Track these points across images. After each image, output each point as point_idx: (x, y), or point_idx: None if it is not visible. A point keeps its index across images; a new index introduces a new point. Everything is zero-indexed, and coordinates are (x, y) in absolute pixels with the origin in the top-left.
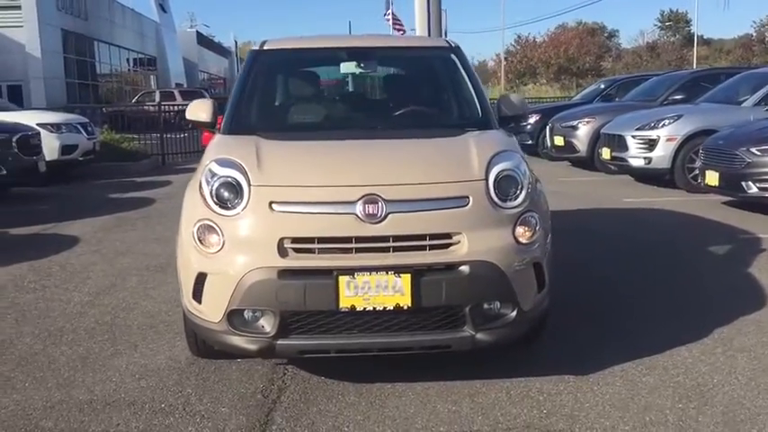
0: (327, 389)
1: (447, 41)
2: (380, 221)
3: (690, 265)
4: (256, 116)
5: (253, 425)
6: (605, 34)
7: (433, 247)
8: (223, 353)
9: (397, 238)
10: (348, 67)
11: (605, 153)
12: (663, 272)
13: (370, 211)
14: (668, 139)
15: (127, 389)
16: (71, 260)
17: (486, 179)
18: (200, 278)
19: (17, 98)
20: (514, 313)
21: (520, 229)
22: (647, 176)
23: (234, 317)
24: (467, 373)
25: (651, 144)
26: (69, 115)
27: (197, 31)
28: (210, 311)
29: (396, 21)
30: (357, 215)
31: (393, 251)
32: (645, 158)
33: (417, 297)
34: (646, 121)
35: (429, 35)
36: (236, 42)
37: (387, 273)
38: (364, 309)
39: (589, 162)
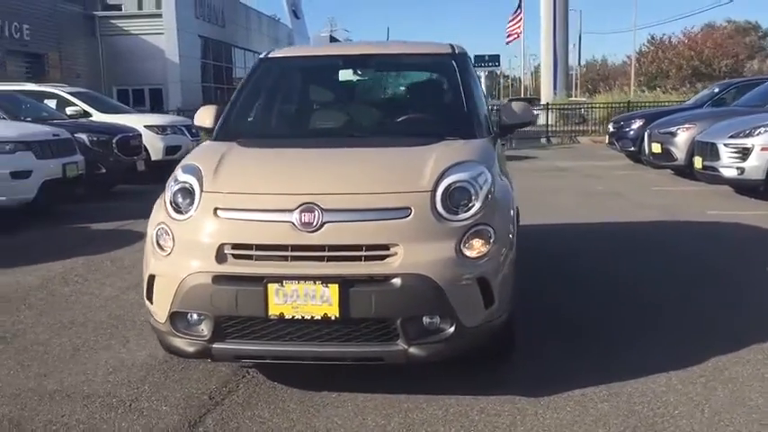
0: (273, 394)
1: (452, 47)
2: (316, 230)
3: (735, 283)
4: (242, 123)
5: (182, 425)
6: (759, 33)
7: (368, 258)
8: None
9: (332, 248)
10: (344, 75)
11: (697, 162)
12: (703, 289)
13: (306, 220)
14: (763, 149)
15: (93, 382)
16: (126, 256)
17: (434, 191)
18: (151, 280)
19: (158, 101)
20: (452, 329)
21: (468, 243)
22: (741, 187)
23: (176, 319)
24: (419, 386)
25: (744, 153)
26: (176, 117)
27: (330, 36)
28: (158, 312)
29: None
30: (293, 223)
31: (328, 260)
32: (737, 168)
33: (345, 308)
34: (741, 128)
35: (554, 35)
36: None
37: (314, 282)
38: (293, 317)
39: (688, 171)
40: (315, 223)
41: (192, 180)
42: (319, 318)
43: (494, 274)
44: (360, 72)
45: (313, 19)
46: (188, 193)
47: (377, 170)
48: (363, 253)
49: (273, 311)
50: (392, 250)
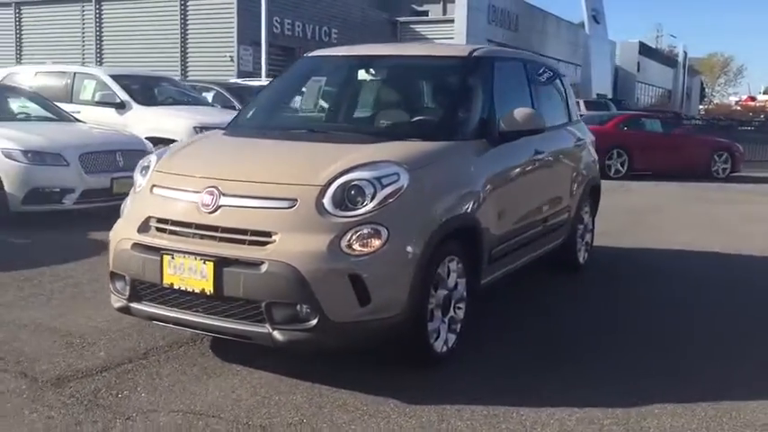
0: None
1: (470, 52)
2: (213, 212)
3: None
4: (243, 115)
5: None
6: None
7: (252, 243)
8: None
9: (224, 230)
10: (350, 76)
11: None
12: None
13: (206, 202)
14: None
15: (18, 341)
16: None
17: (327, 186)
18: (108, 243)
19: None
20: (316, 320)
21: (350, 240)
22: None
23: (113, 278)
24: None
25: None
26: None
27: (639, 42)
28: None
29: None
30: (197, 204)
31: (219, 240)
32: None
33: (219, 285)
34: None
35: None
36: (685, 53)
37: (196, 258)
38: (180, 288)
39: None
40: (212, 205)
41: (153, 159)
42: (198, 291)
43: (373, 274)
44: (372, 72)
45: (636, 23)
46: (146, 170)
47: (283, 162)
48: (248, 237)
49: (167, 280)
50: (273, 238)
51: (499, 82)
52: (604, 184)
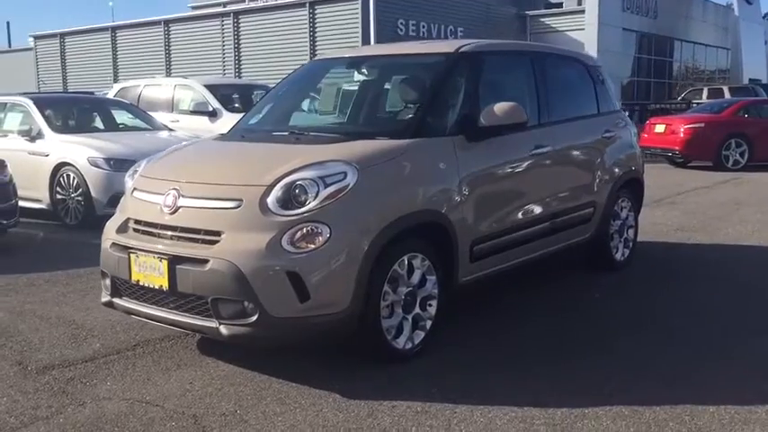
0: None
1: (459, 46)
2: (174, 213)
3: None
4: (244, 119)
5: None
6: None
7: (204, 241)
8: None
9: (182, 229)
10: (347, 78)
11: None
12: None
13: (168, 203)
14: None
15: (34, 332)
16: None
17: (272, 186)
18: None
19: None
20: (256, 315)
21: (291, 237)
22: None
23: (102, 276)
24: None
25: None
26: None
27: None
28: None
29: None
30: (161, 205)
31: (178, 240)
32: None
33: (173, 282)
34: None
35: None
36: None
37: (154, 257)
38: (145, 285)
39: None
40: (172, 206)
41: (143, 164)
42: (157, 288)
43: (312, 271)
44: (363, 73)
45: None
46: (135, 174)
47: (237, 164)
48: (201, 236)
49: (134, 277)
50: (221, 237)
51: (489, 77)
52: (714, 175)
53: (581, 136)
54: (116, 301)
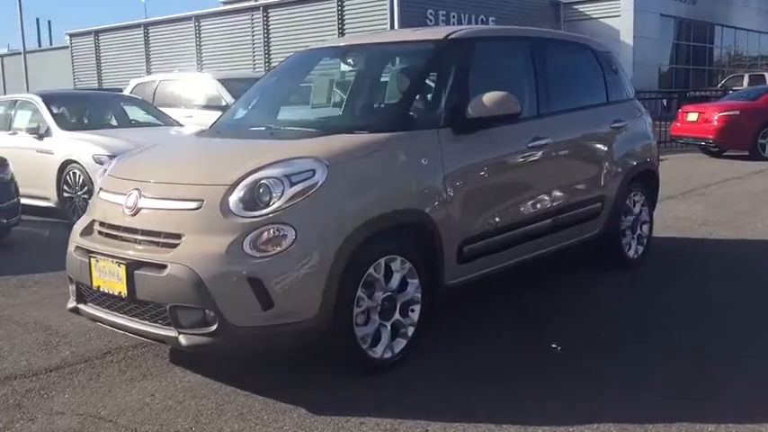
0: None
1: (448, 33)
2: (135, 214)
3: None
4: (225, 115)
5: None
6: None
7: (164, 245)
8: None
9: (143, 232)
10: (334, 68)
11: None
12: None
13: (129, 204)
14: None
15: (6, 338)
16: None
17: (234, 185)
18: None
19: None
20: (216, 325)
21: (253, 241)
22: None
23: (70, 281)
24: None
25: None
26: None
27: None
28: None
29: None
30: (123, 206)
31: (139, 243)
32: None
33: (132, 288)
34: None
35: None
36: None
37: (113, 261)
38: (105, 291)
39: None
40: (133, 208)
41: (113, 163)
42: (117, 294)
43: (275, 276)
44: (350, 63)
45: None
46: (104, 173)
47: (200, 162)
48: (161, 239)
49: (95, 283)
50: (182, 239)
51: (482, 65)
52: (749, 165)
53: (586, 126)
54: (81, 307)
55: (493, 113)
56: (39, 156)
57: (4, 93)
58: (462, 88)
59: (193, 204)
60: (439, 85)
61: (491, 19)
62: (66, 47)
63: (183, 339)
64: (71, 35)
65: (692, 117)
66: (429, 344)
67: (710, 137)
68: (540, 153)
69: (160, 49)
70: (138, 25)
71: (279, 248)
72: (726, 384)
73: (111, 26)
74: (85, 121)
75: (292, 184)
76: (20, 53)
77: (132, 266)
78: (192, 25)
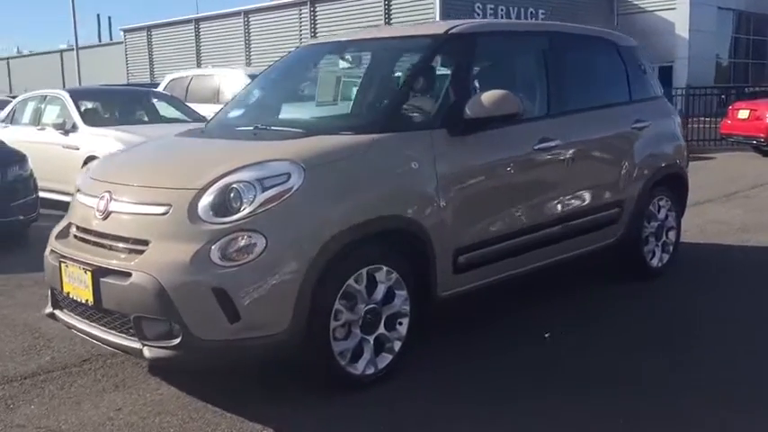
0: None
1: (450, 27)
2: (105, 218)
3: None
4: (219, 112)
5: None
6: None
7: (131, 251)
8: None
9: (112, 237)
10: (330, 66)
11: None
12: None
13: (100, 207)
14: None
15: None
16: None
17: (204, 190)
18: None
19: (667, 79)
20: (180, 337)
21: (221, 249)
22: None
23: (48, 285)
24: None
25: None
26: None
27: None
28: None
29: None
30: (95, 209)
31: (109, 249)
32: None
33: (98, 296)
34: None
35: None
36: None
37: (80, 267)
38: (74, 298)
39: None
40: (104, 211)
41: (95, 164)
42: (83, 301)
43: (242, 287)
44: (348, 60)
45: None
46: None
47: (177, 165)
48: (129, 245)
49: (65, 289)
50: (149, 246)
51: (486, 62)
52: None
53: (602, 127)
54: (57, 313)
55: (492, 113)
56: (64, 151)
57: (64, 87)
58: (460, 87)
59: (161, 209)
60: (435, 83)
61: (540, 12)
62: (121, 42)
63: (146, 352)
64: (125, 31)
65: (743, 114)
66: (415, 361)
67: (762, 135)
68: (547, 156)
69: (210, 44)
70: (189, 21)
71: (247, 258)
72: (744, 416)
73: (164, 21)
74: (113, 117)
75: (264, 189)
76: (82, 48)
77: (98, 273)
78: (241, 20)
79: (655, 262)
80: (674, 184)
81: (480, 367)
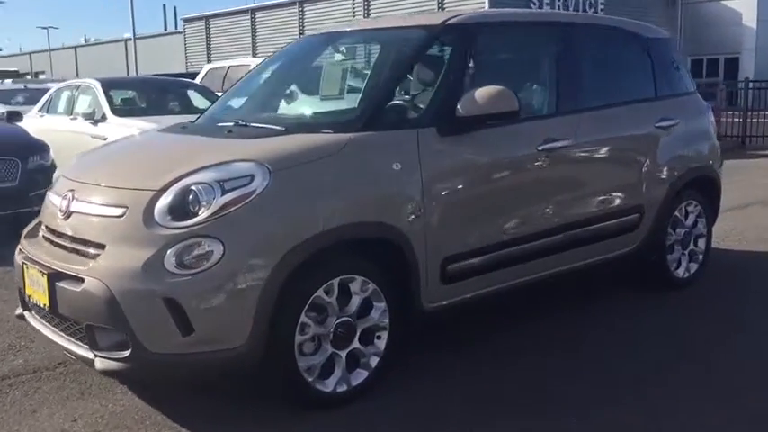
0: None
1: (446, 19)
2: (67, 218)
3: None
4: (212, 105)
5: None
6: None
7: (88, 255)
8: None
9: (72, 239)
10: (324, 58)
11: None
12: None
13: (62, 207)
14: None
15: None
16: None
17: (161, 191)
18: None
19: (733, 71)
20: (130, 349)
21: (176, 255)
22: None
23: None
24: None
25: None
26: None
27: None
28: None
29: None
30: (59, 209)
31: (69, 251)
32: None
33: (53, 301)
34: None
35: None
36: None
37: (38, 270)
38: (34, 301)
39: None
40: (66, 211)
41: (74, 161)
42: (42, 306)
43: (195, 298)
44: (343, 53)
45: None
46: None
47: (140, 164)
48: (86, 249)
49: (27, 291)
50: (104, 250)
51: (486, 55)
52: None
53: (620, 126)
54: (27, 314)
55: (486, 111)
56: (93, 141)
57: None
58: (453, 83)
59: (118, 211)
60: (426, 78)
61: (600, 2)
62: (182, 32)
63: (98, 363)
64: (185, 20)
65: None
66: (392, 379)
67: None
68: (553, 157)
69: (265, 33)
70: (246, 10)
71: (203, 266)
72: None
73: (222, 11)
74: (143, 108)
75: (224, 192)
76: (142, 37)
77: (54, 277)
78: (296, 10)
79: (680, 271)
80: (704, 188)
81: (471, 383)
